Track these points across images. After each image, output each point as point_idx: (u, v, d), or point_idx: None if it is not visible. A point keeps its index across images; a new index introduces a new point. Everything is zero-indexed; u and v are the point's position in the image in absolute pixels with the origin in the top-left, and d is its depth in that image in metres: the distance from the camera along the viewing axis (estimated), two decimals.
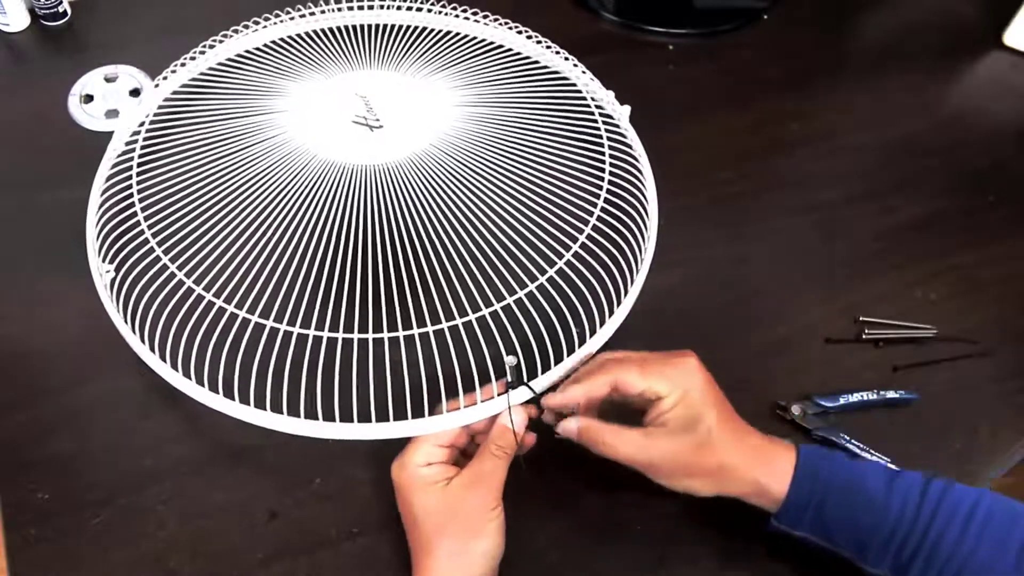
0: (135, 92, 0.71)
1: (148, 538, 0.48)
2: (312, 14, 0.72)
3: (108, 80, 0.72)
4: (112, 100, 0.70)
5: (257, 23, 0.70)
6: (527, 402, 0.47)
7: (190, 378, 0.49)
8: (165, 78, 0.66)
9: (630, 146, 0.64)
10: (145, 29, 0.78)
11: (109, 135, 0.63)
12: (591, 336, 0.51)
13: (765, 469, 0.44)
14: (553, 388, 0.48)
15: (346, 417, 0.47)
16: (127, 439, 0.52)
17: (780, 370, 0.58)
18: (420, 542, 0.44)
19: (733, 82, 0.79)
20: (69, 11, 0.78)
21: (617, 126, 0.66)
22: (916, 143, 0.74)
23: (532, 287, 0.53)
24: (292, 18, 0.71)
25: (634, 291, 0.55)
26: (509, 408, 0.46)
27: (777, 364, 0.58)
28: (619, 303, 0.53)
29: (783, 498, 0.43)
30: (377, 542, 0.48)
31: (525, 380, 0.47)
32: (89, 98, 0.71)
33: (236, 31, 0.69)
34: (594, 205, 0.58)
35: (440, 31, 0.72)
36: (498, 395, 0.46)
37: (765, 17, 0.85)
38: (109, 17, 0.78)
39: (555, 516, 0.50)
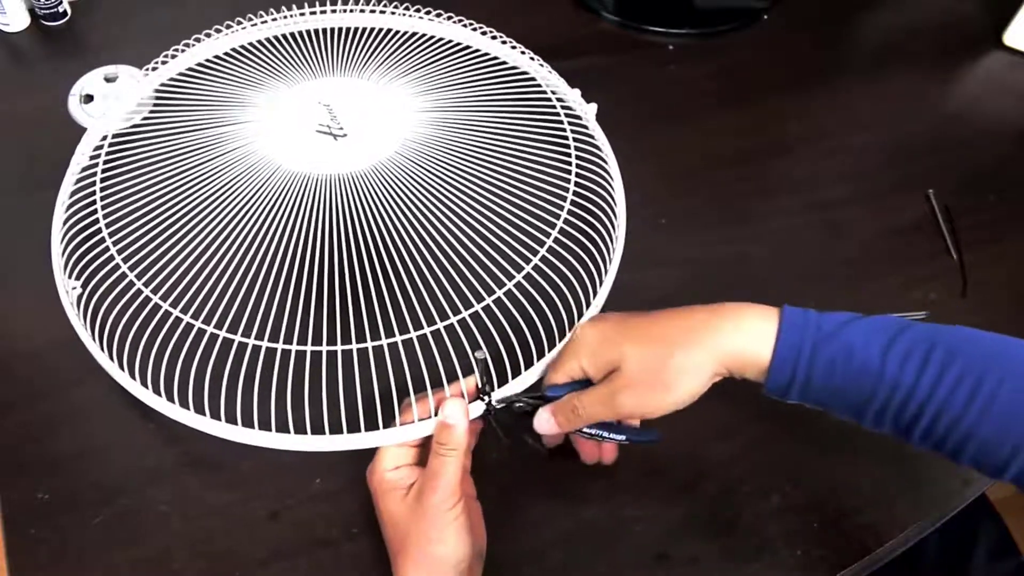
0: None
1: (148, 538, 0.48)
2: (285, 17, 0.71)
3: (108, 80, 0.72)
4: (112, 100, 0.70)
5: (207, 36, 0.69)
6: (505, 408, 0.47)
7: (160, 394, 0.49)
8: (146, 73, 0.66)
9: (597, 145, 0.63)
10: (145, 29, 0.78)
11: None
12: (559, 341, 0.50)
13: (737, 362, 0.43)
14: (511, 400, 0.47)
15: (317, 429, 0.47)
16: (127, 439, 0.52)
17: None
18: (392, 548, 0.44)
19: (733, 82, 0.79)
20: (69, 11, 0.78)
21: (585, 126, 0.65)
22: (916, 143, 0.74)
23: (500, 293, 0.52)
24: (255, 24, 0.70)
25: (603, 292, 0.54)
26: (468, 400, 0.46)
27: None
28: (588, 306, 0.53)
29: (764, 380, 0.42)
30: (377, 542, 0.48)
31: (493, 382, 0.47)
32: (89, 98, 0.71)
33: (190, 43, 0.68)
34: (560, 208, 0.57)
35: (405, 33, 0.71)
36: (470, 401, 0.46)
37: (765, 17, 0.85)
38: (109, 17, 0.78)
39: (556, 516, 0.50)
